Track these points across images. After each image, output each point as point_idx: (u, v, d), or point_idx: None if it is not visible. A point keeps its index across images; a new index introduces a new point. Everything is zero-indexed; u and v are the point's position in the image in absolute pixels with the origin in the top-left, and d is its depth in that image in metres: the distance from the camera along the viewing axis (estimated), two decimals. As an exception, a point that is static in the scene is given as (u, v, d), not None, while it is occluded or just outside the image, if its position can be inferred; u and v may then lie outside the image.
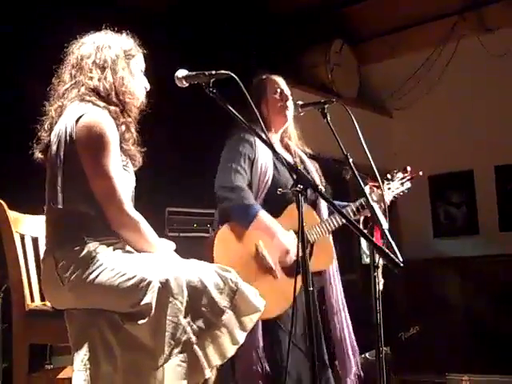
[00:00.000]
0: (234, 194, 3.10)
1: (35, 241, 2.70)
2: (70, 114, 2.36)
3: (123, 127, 2.43)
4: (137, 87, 2.54)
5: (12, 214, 2.61)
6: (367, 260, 3.45)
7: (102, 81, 2.43)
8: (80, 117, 2.32)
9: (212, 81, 2.35)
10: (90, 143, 2.30)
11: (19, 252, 2.58)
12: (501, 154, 6.77)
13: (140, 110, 2.58)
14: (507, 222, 6.81)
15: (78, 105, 2.38)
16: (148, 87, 2.62)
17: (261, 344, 3.05)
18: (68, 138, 2.31)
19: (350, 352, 3.35)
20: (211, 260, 2.95)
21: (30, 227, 2.69)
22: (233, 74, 2.33)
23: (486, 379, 4.93)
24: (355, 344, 3.38)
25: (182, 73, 2.43)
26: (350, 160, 2.95)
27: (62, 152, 2.32)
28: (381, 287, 3.14)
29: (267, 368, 3.06)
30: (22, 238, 2.64)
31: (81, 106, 2.37)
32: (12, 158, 3.74)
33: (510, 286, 6.15)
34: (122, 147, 2.42)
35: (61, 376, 2.65)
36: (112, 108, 2.41)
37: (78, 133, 2.30)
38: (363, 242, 3.45)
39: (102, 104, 2.39)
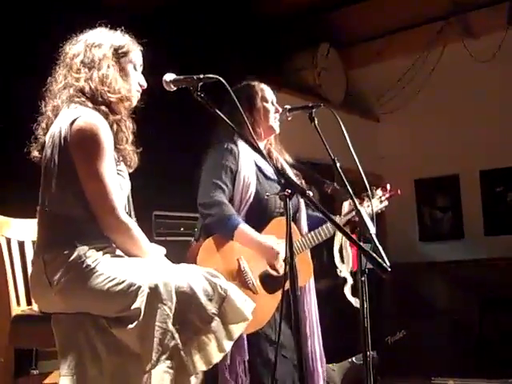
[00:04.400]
0: (213, 209, 3.06)
1: (21, 245, 2.68)
2: (64, 116, 2.35)
3: (115, 126, 2.41)
4: (125, 86, 2.50)
5: (-2, 218, 2.61)
6: (341, 274, 3.45)
7: (88, 81, 2.42)
8: (74, 120, 2.30)
9: (200, 85, 2.35)
10: (84, 147, 2.29)
11: (5, 256, 2.56)
12: (486, 158, 6.82)
13: (132, 109, 2.55)
14: (492, 227, 6.85)
15: (70, 107, 2.37)
16: (144, 84, 2.59)
17: (246, 356, 3.03)
18: (62, 141, 2.30)
19: (319, 364, 3.34)
20: None
21: (16, 231, 2.67)
22: (221, 79, 2.33)
23: (472, 383, 4.95)
24: (324, 356, 3.37)
25: (169, 77, 2.42)
26: (338, 164, 2.95)
27: (56, 155, 2.31)
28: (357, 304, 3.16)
29: (247, 378, 3.05)
30: (8, 241, 2.62)
31: (74, 108, 2.36)
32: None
33: (495, 291, 6.19)
34: (115, 147, 2.40)
35: (47, 381, 2.63)
36: (100, 108, 2.39)
37: (72, 136, 2.29)
38: (336, 255, 3.43)
39: (91, 105, 2.38)
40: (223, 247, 3.09)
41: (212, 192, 3.10)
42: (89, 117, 2.33)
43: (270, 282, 3.15)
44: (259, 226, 3.17)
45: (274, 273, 3.15)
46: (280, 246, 3.09)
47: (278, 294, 3.11)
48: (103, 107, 2.41)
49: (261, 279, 3.15)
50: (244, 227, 3.06)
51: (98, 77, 2.43)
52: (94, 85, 2.42)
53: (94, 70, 2.44)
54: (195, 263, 2.96)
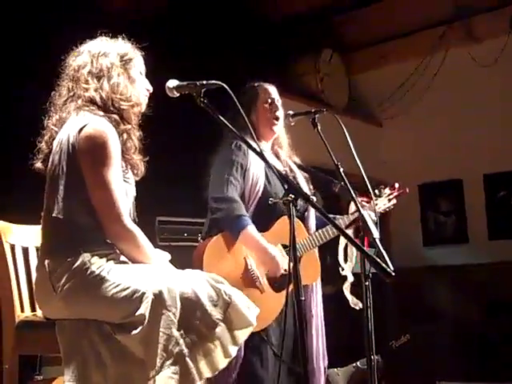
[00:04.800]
0: (225, 205, 3.08)
1: (25, 251, 2.69)
2: (73, 123, 2.35)
3: (125, 135, 2.41)
4: (135, 92, 2.51)
5: (2, 224, 2.60)
6: (343, 272, 3.45)
7: (99, 90, 2.42)
8: (83, 127, 2.30)
9: (203, 91, 2.36)
10: (92, 154, 2.29)
11: (9, 262, 2.56)
12: (489, 162, 6.81)
13: (141, 116, 2.56)
14: (496, 231, 6.83)
15: (79, 115, 2.37)
16: (150, 89, 2.60)
17: (241, 353, 3.02)
18: (70, 147, 2.30)
19: (321, 362, 3.34)
20: (199, 269, 2.94)
21: (20, 237, 2.67)
22: (224, 85, 2.33)
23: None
24: (326, 353, 3.37)
25: (172, 83, 2.42)
26: (341, 170, 2.96)
27: (64, 162, 2.31)
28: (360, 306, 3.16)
29: (235, 377, 3.04)
30: (12, 247, 2.62)
31: (83, 116, 2.36)
32: (0, 169, 3.71)
33: (498, 295, 6.18)
34: (123, 156, 2.41)
35: (51, 387, 2.64)
36: (111, 116, 2.39)
37: (80, 143, 2.29)
38: (340, 253, 3.44)
39: (101, 113, 2.38)
40: (230, 245, 3.09)
41: (225, 188, 3.11)
42: (97, 124, 2.33)
43: (276, 281, 3.15)
44: (268, 223, 3.18)
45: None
46: (284, 256, 3.10)
47: (284, 293, 3.10)
48: (115, 116, 2.41)
49: (268, 278, 3.15)
50: (251, 230, 3.07)
51: (109, 86, 2.43)
52: (105, 94, 2.42)
53: (104, 79, 2.44)
54: (202, 262, 2.98)
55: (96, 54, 2.47)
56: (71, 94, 2.45)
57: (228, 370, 2.95)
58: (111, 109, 2.42)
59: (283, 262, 3.09)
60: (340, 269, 3.45)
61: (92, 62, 2.46)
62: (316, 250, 3.34)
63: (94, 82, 2.43)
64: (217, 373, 2.24)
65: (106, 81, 2.44)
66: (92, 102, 2.41)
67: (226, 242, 3.09)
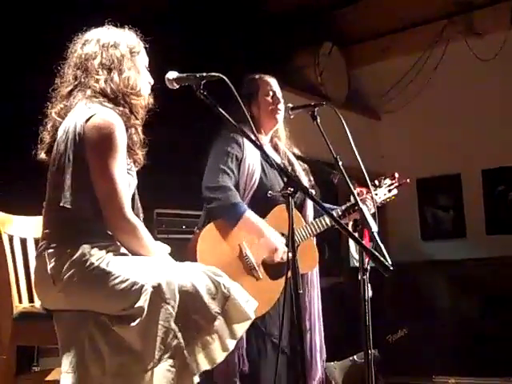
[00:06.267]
0: (220, 193, 3.10)
1: (23, 242, 2.69)
2: (79, 113, 2.33)
3: (132, 130, 2.41)
4: (143, 85, 2.51)
5: (0, 215, 2.60)
6: (356, 264, 3.44)
7: (109, 82, 2.40)
8: (90, 117, 2.29)
9: (202, 83, 2.36)
10: (99, 144, 2.28)
11: (7, 253, 2.56)
12: (488, 157, 6.82)
13: (147, 110, 2.56)
14: (494, 226, 6.85)
15: (87, 104, 2.35)
16: (152, 81, 2.59)
17: (244, 345, 3.03)
18: (77, 137, 2.29)
19: (319, 357, 3.35)
20: (194, 258, 2.95)
21: (18, 228, 2.67)
22: (223, 76, 2.33)
23: (473, 381, 4.95)
24: (324, 350, 3.38)
25: (172, 74, 2.43)
26: (340, 163, 2.95)
27: (70, 151, 2.30)
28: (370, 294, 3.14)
29: (246, 369, 3.05)
30: (11, 238, 2.62)
31: (90, 105, 2.34)
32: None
33: (496, 289, 6.19)
34: (129, 150, 2.40)
35: (48, 378, 2.63)
36: (121, 109, 2.39)
37: (87, 133, 2.28)
38: (351, 245, 3.44)
39: (111, 105, 2.37)
40: (224, 233, 3.10)
41: (219, 177, 3.13)
42: (105, 115, 2.31)
43: (273, 268, 3.16)
44: (263, 215, 3.19)
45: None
46: (282, 240, 3.10)
47: (281, 281, 3.11)
48: (125, 109, 2.40)
49: (264, 265, 3.15)
50: (250, 215, 3.09)
51: (120, 79, 2.42)
52: (116, 86, 2.41)
53: (114, 71, 2.43)
54: (196, 251, 2.98)
55: (106, 45, 2.45)
56: (78, 82, 2.43)
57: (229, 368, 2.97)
58: (121, 102, 2.42)
59: (282, 247, 3.09)
60: (354, 261, 3.46)
61: (102, 53, 2.44)
62: (313, 239, 3.34)
63: (104, 73, 2.42)
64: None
65: (117, 74, 2.43)
66: (102, 93, 2.39)
67: (220, 230, 3.10)
